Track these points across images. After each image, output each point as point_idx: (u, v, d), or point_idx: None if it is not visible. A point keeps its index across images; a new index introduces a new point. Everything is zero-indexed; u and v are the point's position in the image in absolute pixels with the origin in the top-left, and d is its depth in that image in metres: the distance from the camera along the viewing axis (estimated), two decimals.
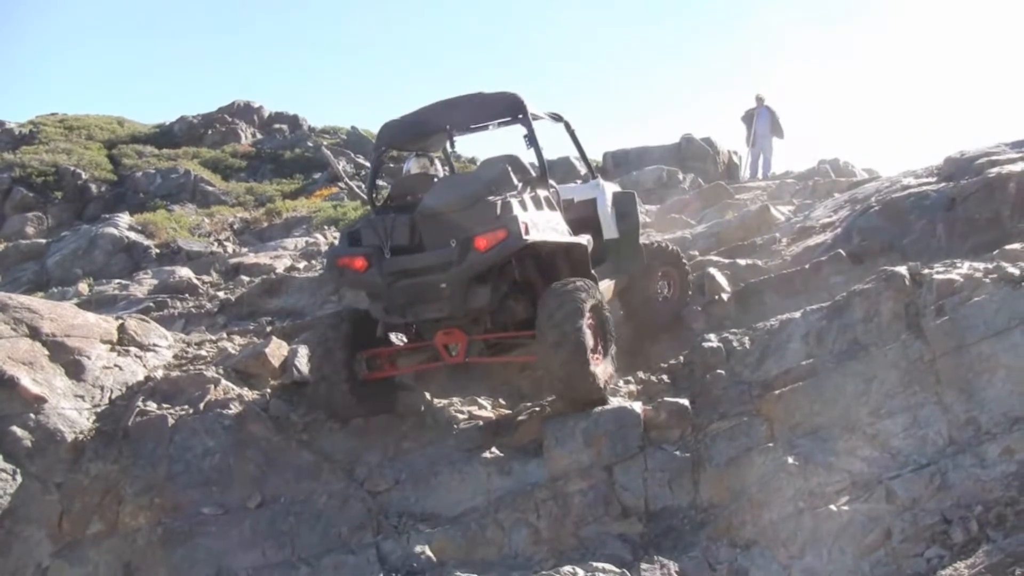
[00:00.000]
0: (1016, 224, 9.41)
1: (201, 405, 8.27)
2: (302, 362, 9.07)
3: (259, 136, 31.76)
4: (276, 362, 9.12)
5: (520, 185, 8.22)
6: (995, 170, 10.27)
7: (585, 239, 8.62)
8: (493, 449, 7.87)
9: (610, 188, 9.96)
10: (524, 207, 7.84)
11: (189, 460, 7.76)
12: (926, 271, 7.93)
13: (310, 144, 29.50)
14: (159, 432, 7.94)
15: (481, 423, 8.42)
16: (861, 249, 10.20)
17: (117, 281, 15.33)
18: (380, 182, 9.27)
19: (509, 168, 8.31)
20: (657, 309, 10.08)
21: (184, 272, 14.95)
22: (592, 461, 7.42)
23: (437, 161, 9.38)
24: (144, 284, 14.70)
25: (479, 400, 8.96)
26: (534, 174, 8.59)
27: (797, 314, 8.40)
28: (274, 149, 29.64)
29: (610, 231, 9.55)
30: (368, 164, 27.61)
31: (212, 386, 8.54)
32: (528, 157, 8.74)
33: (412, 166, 9.16)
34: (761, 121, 22.03)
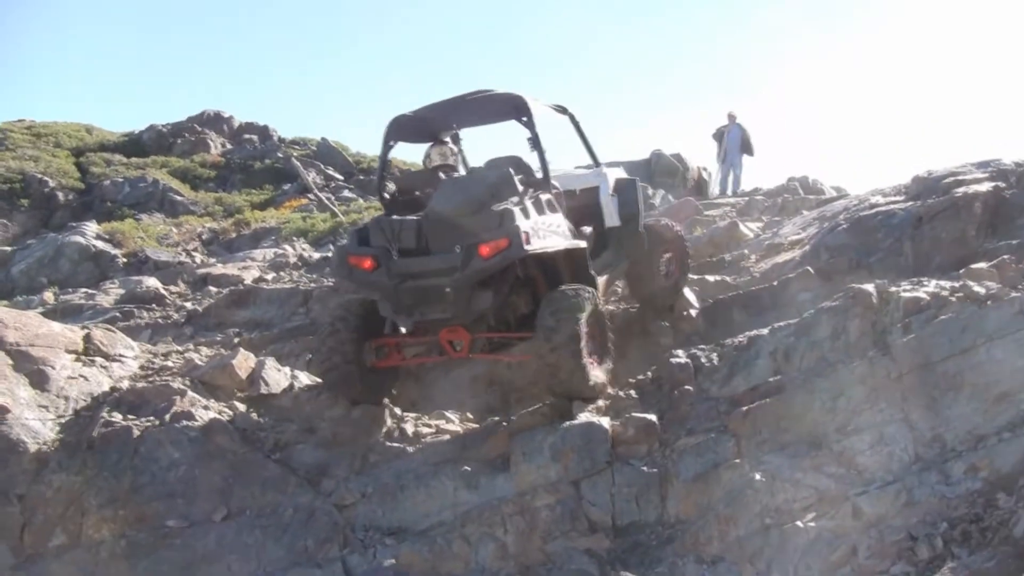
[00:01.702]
0: (982, 243, 9.51)
1: (167, 416, 8.18)
2: (269, 374, 9.03)
3: (229, 146, 31.59)
4: (243, 374, 9.05)
5: (523, 189, 8.46)
6: (961, 190, 10.38)
7: (583, 243, 8.85)
8: (460, 463, 7.84)
9: (613, 175, 10.24)
10: (526, 214, 8.11)
11: (154, 472, 7.68)
12: (893, 289, 7.98)
13: (280, 155, 29.37)
14: (124, 443, 7.85)
15: (448, 437, 8.39)
16: (829, 266, 10.27)
17: (83, 290, 15.21)
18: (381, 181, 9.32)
19: (512, 172, 8.53)
20: (661, 288, 10.37)
21: (151, 282, 14.86)
22: (559, 476, 7.41)
23: (456, 147, 9.75)
24: (111, 294, 14.59)
25: (447, 414, 8.93)
26: (537, 175, 8.84)
27: (765, 331, 8.43)
28: (244, 159, 29.49)
29: (612, 219, 9.88)
30: (338, 176, 27.69)
31: (178, 397, 8.46)
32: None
33: (433, 154, 9.34)
34: (732, 138, 22.15)
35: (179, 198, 24.78)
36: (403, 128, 9.31)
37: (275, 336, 11.40)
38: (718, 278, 11.26)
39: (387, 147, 9.41)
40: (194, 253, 18.84)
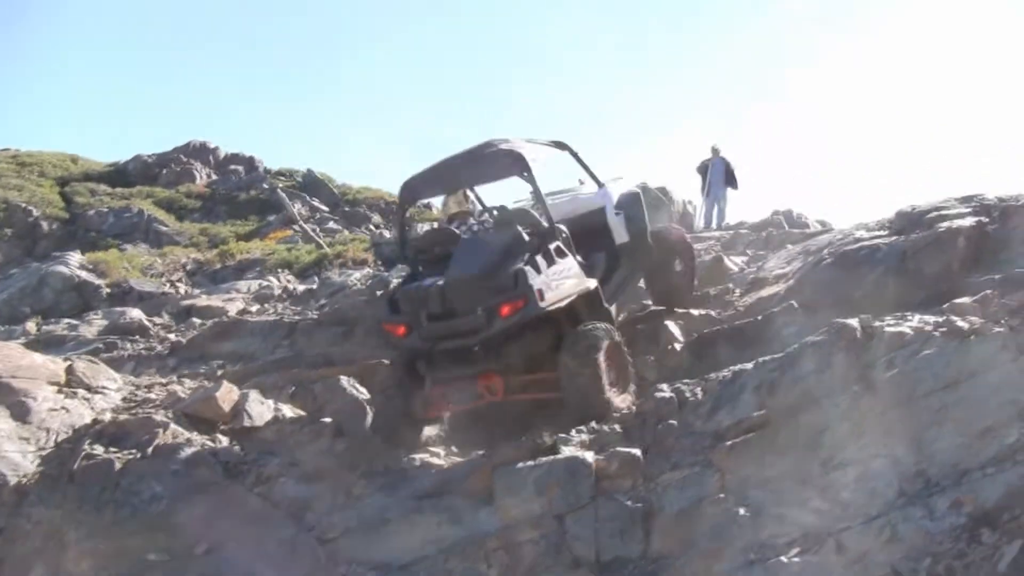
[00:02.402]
0: (965, 278, 9.53)
1: (149, 449, 8.17)
2: (253, 407, 9.02)
3: (214, 177, 31.68)
4: (227, 407, 9.03)
5: (532, 242, 9.11)
6: (945, 224, 10.41)
7: (594, 282, 9.53)
8: (444, 497, 7.81)
9: (617, 191, 11.04)
10: (538, 269, 8.76)
11: (135, 505, 7.65)
12: (877, 324, 7.98)
13: (265, 186, 29.46)
14: (105, 476, 7.83)
15: (433, 471, 8.36)
16: (814, 301, 10.27)
17: (66, 321, 15.19)
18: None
19: (520, 229, 9.22)
20: (679, 287, 11.55)
21: (135, 313, 14.84)
22: (543, 510, 7.37)
23: (470, 194, 10.72)
24: (94, 324, 14.57)
25: (431, 448, 8.91)
26: (544, 224, 9.44)
27: (749, 365, 8.43)
28: (229, 190, 29.55)
29: (621, 236, 10.64)
30: (324, 207, 27.69)
31: (161, 430, 8.44)
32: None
33: (451, 202, 10.61)
34: (716, 171, 22.22)
35: (164, 228, 24.80)
36: (415, 190, 10.09)
37: (259, 368, 11.38)
38: (703, 312, 11.27)
39: (403, 210, 10.51)
40: (178, 284, 18.83)
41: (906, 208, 11.70)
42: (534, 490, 7.48)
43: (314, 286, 16.36)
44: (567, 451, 7.88)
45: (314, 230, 23.89)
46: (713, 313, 11.23)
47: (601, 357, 8.71)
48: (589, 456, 7.74)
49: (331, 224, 25.93)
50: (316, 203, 27.95)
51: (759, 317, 10.20)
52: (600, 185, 10.96)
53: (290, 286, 16.76)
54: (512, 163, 9.56)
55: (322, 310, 13.65)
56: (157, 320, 14.68)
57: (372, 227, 26.22)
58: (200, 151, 33.09)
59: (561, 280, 9.01)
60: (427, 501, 7.79)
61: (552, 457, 7.74)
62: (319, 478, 8.27)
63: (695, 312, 11.22)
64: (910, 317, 8.08)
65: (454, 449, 8.97)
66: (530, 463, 7.73)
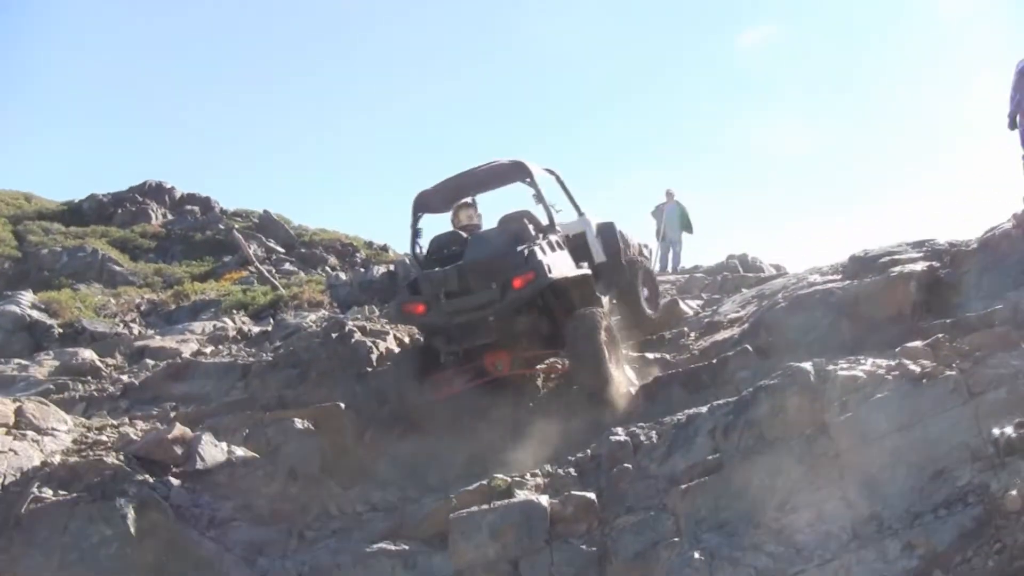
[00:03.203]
0: (917, 322, 9.62)
1: (100, 492, 8.03)
2: (206, 449, 8.91)
3: (170, 217, 31.39)
4: (179, 449, 8.93)
5: (536, 235, 10.64)
6: (897, 269, 10.53)
7: (588, 270, 11.07)
8: (398, 541, 7.75)
9: (595, 221, 12.36)
10: (544, 252, 10.21)
11: (84, 549, 7.52)
12: (831, 367, 8.03)
13: (221, 226, 29.22)
14: (54, 520, 7.69)
15: (386, 514, 8.30)
16: (768, 344, 10.34)
17: (16, 361, 14.93)
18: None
19: (526, 221, 10.88)
20: (644, 310, 12.70)
21: (87, 354, 14.65)
22: (498, 555, 7.35)
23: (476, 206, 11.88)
24: (45, 365, 14.35)
25: (386, 490, 8.85)
26: (544, 222, 11.03)
27: (704, 408, 8.46)
28: (185, 230, 29.30)
29: (599, 256, 11.95)
30: (280, 248, 27.56)
31: (112, 473, 8.32)
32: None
33: (461, 215, 11.61)
34: (670, 215, 22.36)
35: (118, 268, 24.50)
36: (427, 201, 11.57)
37: (212, 410, 11.26)
38: (658, 355, 11.31)
39: (416, 218, 11.53)
40: (132, 324, 18.58)
41: (859, 253, 11.83)
42: (489, 534, 7.45)
43: (269, 328, 16.24)
44: (522, 495, 7.86)
45: (270, 271, 23.70)
46: (668, 356, 11.29)
47: (602, 335, 10.03)
48: (544, 500, 7.72)
49: (287, 265, 25.76)
50: (272, 244, 27.75)
51: (714, 360, 10.25)
52: (580, 213, 12.23)
53: (245, 327, 16.62)
54: (515, 170, 11.28)
55: (277, 352, 13.56)
56: (110, 361, 14.50)
57: (328, 269, 26.04)
58: (156, 191, 32.82)
59: (562, 265, 10.48)
60: (381, 545, 7.72)
61: (507, 501, 7.72)
62: (272, 521, 8.20)
63: (650, 355, 11.26)
64: (863, 361, 8.14)
65: (409, 493, 8.90)
66: (485, 507, 7.70)
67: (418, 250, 11.46)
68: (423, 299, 10.31)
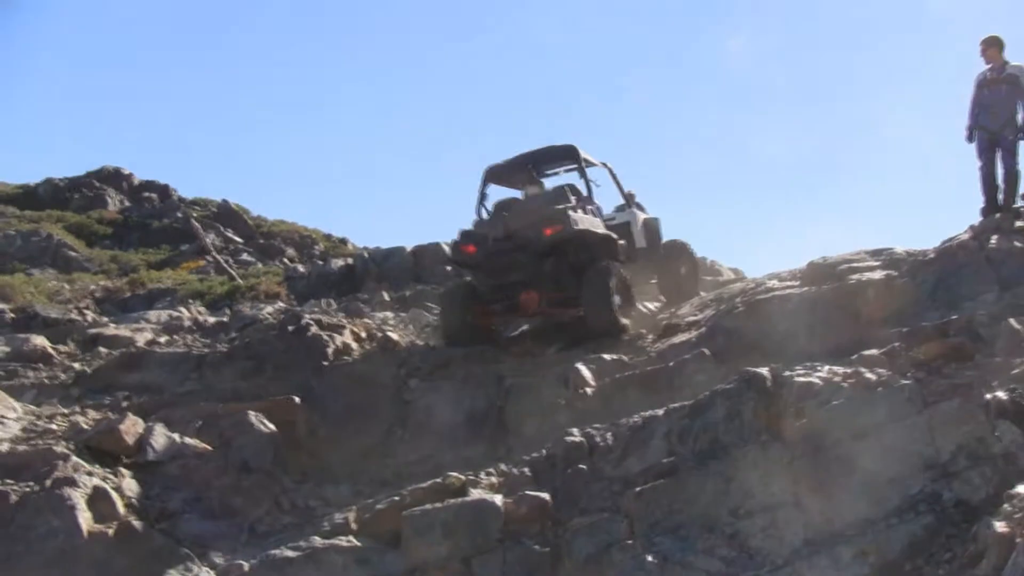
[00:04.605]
0: (874, 330, 9.67)
1: (48, 482, 7.93)
2: (158, 440, 8.83)
3: (127, 204, 31.07)
4: (131, 440, 8.83)
5: (574, 200, 13.21)
6: (855, 277, 10.60)
7: (614, 233, 13.48)
8: (350, 538, 7.70)
9: (642, 216, 15.30)
10: (575, 211, 12.75)
11: (31, 540, 7.42)
12: (787, 373, 8.06)
13: (179, 215, 28.94)
14: (0, 510, 7.58)
15: (339, 509, 8.25)
16: (725, 349, 10.37)
17: None
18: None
19: (567, 189, 13.54)
20: (682, 284, 15.13)
21: (39, 340, 14.41)
22: (450, 553, 7.32)
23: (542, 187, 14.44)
24: None
25: (339, 486, 8.80)
26: (584, 194, 13.66)
27: (660, 411, 8.46)
28: (142, 218, 29.02)
29: (641, 242, 14.72)
30: (238, 239, 27.38)
31: (61, 462, 8.21)
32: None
33: (529, 189, 14.13)
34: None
35: (73, 254, 24.20)
36: (496, 174, 14.37)
37: (166, 401, 11.14)
38: (615, 357, 11.31)
39: (484, 185, 14.25)
40: (86, 311, 18.32)
41: (818, 260, 11.91)
42: (442, 532, 7.42)
43: (225, 318, 16.12)
44: (476, 493, 7.84)
45: (227, 261, 23.55)
46: (625, 358, 11.28)
47: (612, 284, 12.38)
48: (498, 499, 7.70)
49: (245, 256, 25.61)
50: (230, 234, 27.55)
51: (671, 363, 10.27)
52: (629, 207, 15.13)
53: (201, 318, 16.46)
54: (567, 152, 14.15)
55: (232, 343, 13.46)
56: (62, 348, 14.30)
57: (286, 260, 25.90)
58: (113, 176, 32.46)
59: (588, 223, 12.84)
60: (333, 541, 7.67)
61: (461, 500, 7.70)
62: (224, 515, 8.12)
63: (607, 356, 11.26)
64: (820, 367, 8.17)
65: (361, 489, 8.85)
66: (438, 504, 7.67)
67: (483, 211, 13.94)
68: (474, 241, 12.93)
